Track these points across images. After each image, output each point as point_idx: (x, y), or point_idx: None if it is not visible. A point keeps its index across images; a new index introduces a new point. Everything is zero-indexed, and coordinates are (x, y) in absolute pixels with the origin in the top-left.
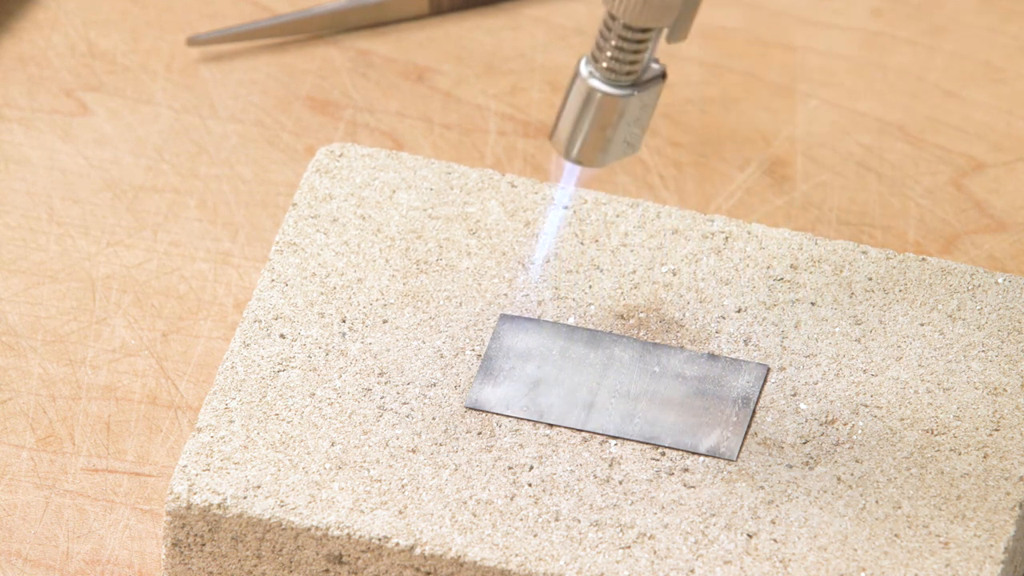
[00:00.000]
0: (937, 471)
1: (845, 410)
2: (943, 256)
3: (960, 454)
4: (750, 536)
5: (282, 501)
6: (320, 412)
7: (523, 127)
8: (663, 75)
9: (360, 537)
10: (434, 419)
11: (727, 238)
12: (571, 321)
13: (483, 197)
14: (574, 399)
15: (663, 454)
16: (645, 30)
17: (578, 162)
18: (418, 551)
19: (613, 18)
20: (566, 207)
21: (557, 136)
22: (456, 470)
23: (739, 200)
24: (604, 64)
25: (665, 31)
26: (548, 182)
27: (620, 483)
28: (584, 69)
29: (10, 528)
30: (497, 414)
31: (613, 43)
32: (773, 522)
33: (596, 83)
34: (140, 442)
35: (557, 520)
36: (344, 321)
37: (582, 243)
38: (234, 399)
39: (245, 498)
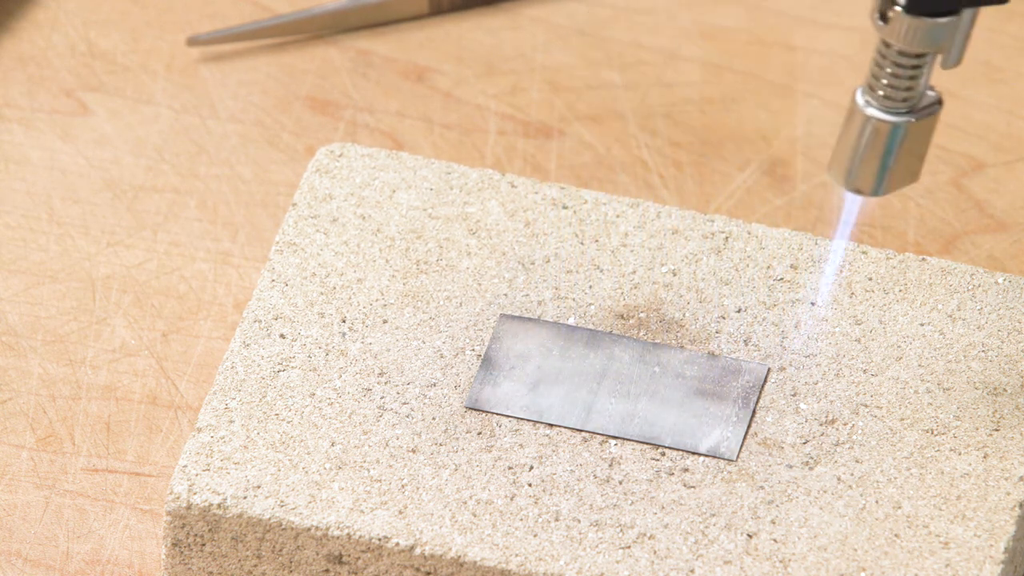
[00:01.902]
0: (937, 471)
1: (845, 410)
2: (943, 256)
3: (960, 454)
4: (750, 536)
5: (282, 501)
6: (320, 412)
7: (523, 127)
8: (939, 102)
9: (360, 537)
10: (434, 419)
11: (727, 238)
12: (571, 321)
13: (483, 197)
14: (574, 399)
15: (663, 454)
16: (919, 55)
17: (856, 190)
18: (418, 551)
19: (887, 45)
20: (846, 247)
21: (835, 166)
22: (456, 470)
23: (739, 200)
24: (880, 92)
25: (940, 58)
26: (548, 182)
27: (620, 483)
28: (860, 99)
29: (10, 528)
30: (497, 414)
31: (888, 70)
32: (773, 522)
33: (873, 111)
34: (140, 442)
35: (557, 520)
36: (344, 321)
37: (582, 243)
38: (234, 399)
39: (245, 498)
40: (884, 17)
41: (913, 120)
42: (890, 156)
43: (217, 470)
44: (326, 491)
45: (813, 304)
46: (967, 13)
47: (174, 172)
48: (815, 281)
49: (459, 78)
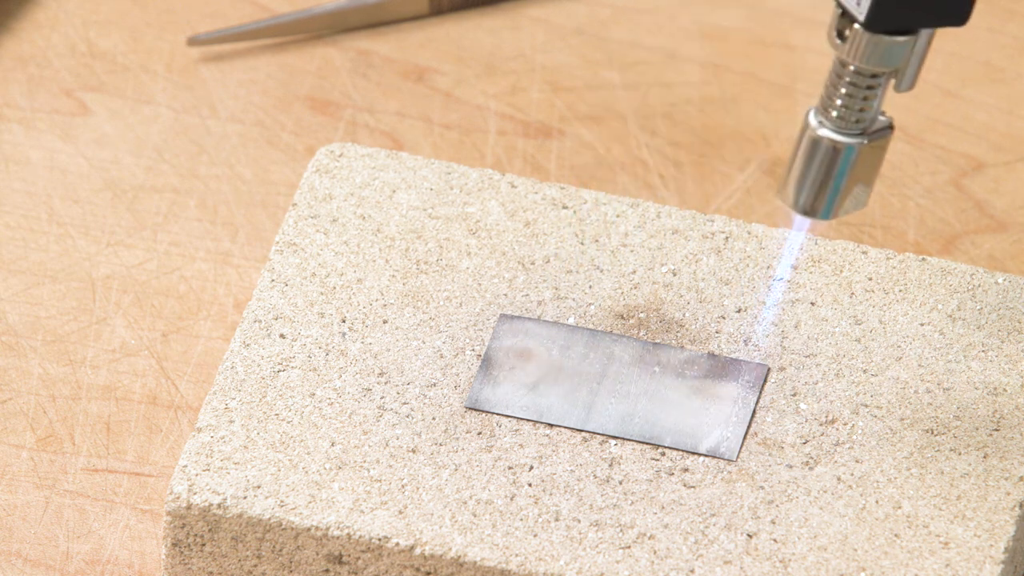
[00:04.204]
0: (937, 471)
1: (845, 410)
2: (943, 256)
3: (960, 454)
4: (750, 536)
5: (282, 501)
6: (320, 412)
7: (523, 127)
8: (891, 127)
9: (360, 537)
10: (434, 419)
11: (727, 238)
12: (571, 321)
13: (483, 197)
14: (574, 399)
15: (663, 454)
16: (874, 76)
17: (806, 213)
18: (418, 551)
19: (843, 65)
20: (792, 266)
21: (785, 187)
22: (456, 470)
23: (739, 200)
24: (834, 113)
25: (892, 82)
26: (548, 182)
27: (620, 483)
28: (813, 120)
29: (10, 528)
30: (497, 414)
31: (843, 91)
32: (773, 522)
33: (826, 132)
34: (140, 442)
35: (557, 520)
36: (344, 321)
37: (582, 243)
38: (234, 399)
39: (245, 498)
40: (841, 36)
41: (865, 142)
42: (842, 178)
43: (217, 470)
44: (326, 491)
45: (746, 342)
46: (924, 34)
47: (174, 172)
48: (758, 316)
49: (459, 78)
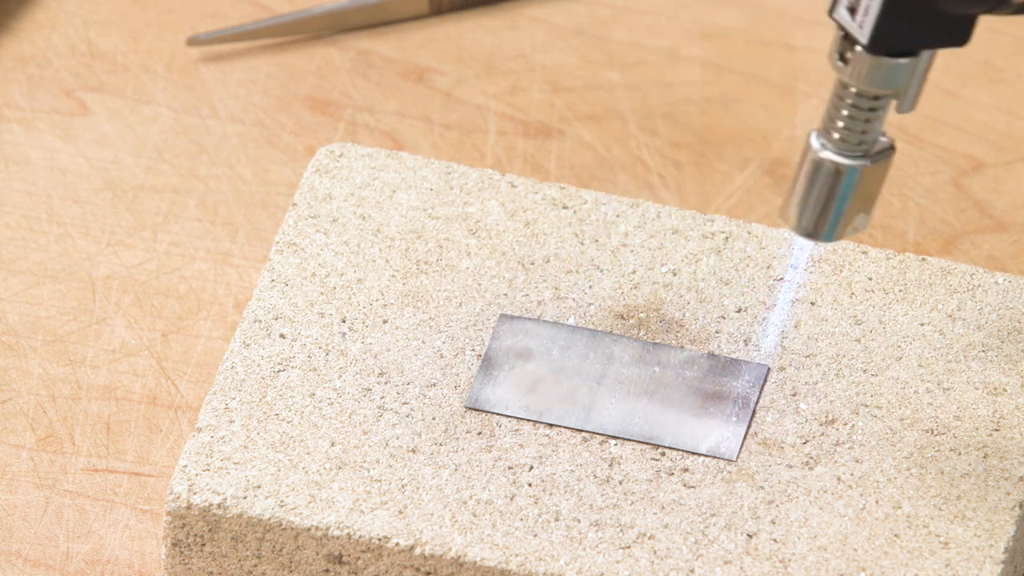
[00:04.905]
0: (937, 471)
1: (845, 410)
2: (943, 256)
3: (960, 454)
4: (750, 536)
5: (282, 501)
6: (320, 412)
7: (523, 127)
8: (892, 147)
9: (360, 537)
10: (434, 419)
11: (727, 238)
12: (571, 321)
13: (483, 197)
14: (574, 399)
15: (663, 454)
16: (876, 98)
17: (808, 235)
18: (418, 551)
19: (845, 87)
20: (779, 278)
21: (787, 209)
22: (456, 470)
23: (739, 200)
24: (836, 135)
25: (894, 103)
26: (548, 182)
27: (620, 483)
28: (816, 142)
29: (10, 528)
30: (497, 414)
31: (845, 113)
32: (773, 522)
33: (828, 154)
34: (140, 442)
35: (557, 520)
36: (344, 321)
37: (582, 243)
38: (234, 399)
39: (245, 498)
40: (843, 58)
41: (868, 164)
42: (844, 201)
43: (217, 470)
44: (326, 491)
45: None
46: (925, 55)
47: (174, 172)
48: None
49: (459, 78)
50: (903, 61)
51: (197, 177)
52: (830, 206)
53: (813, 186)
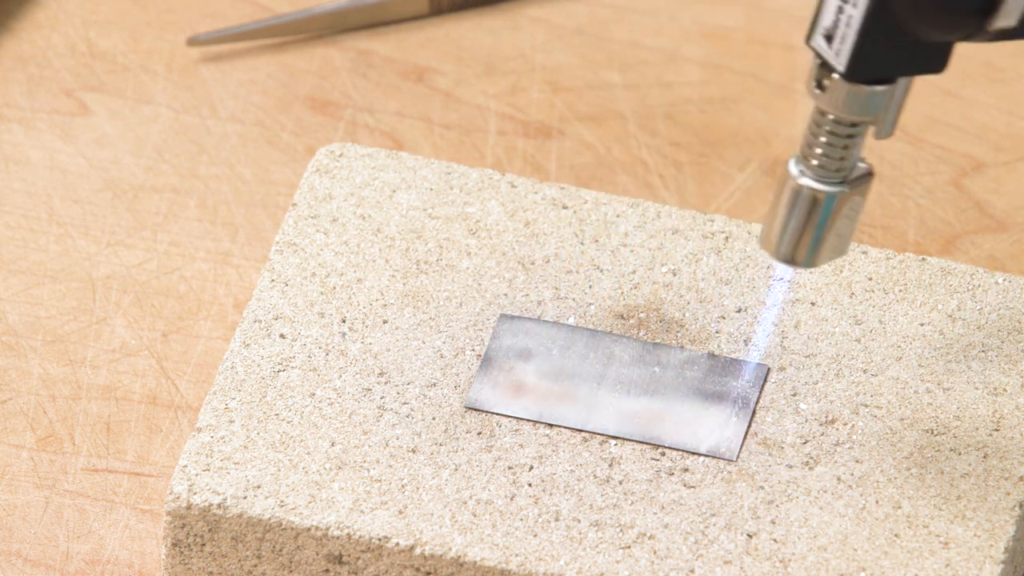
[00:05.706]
0: (937, 471)
1: (845, 410)
2: (943, 256)
3: (960, 454)
4: (750, 536)
5: (282, 501)
6: (320, 412)
7: (523, 127)
8: (870, 173)
9: (360, 537)
10: (434, 419)
11: (727, 238)
12: (571, 321)
13: (483, 197)
14: (574, 399)
15: (663, 454)
16: (854, 124)
17: (787, 262)
18: (418, 551)
19: (823, 114)
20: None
21: (767, 236)
22: (456, 470)
23: (739, 200)
24: (814, 161)
25: (872, 129)
26: (548, 182)
27: (620, 483)
28: (794, 168)
29: (10, 528)
30: (497, 414)
31: (823, 139)
32: (773, 522)
33: (807, 181)
34: (140, 442)
35: (557, 520)
36: (344, 321)
37: (582, 243)
38: (234, 399)
39: (245, 498)
40: (821, 86)
41: (847, 190)
42: (823, 227)
43: (217, 470)
44: (326, 491)
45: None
46: (902, 82)
47: (174, 172)
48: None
49: (459, 78)
50: (880, 88)
51: (197, 177)
52: (809, 232)
53: (792, 213)
